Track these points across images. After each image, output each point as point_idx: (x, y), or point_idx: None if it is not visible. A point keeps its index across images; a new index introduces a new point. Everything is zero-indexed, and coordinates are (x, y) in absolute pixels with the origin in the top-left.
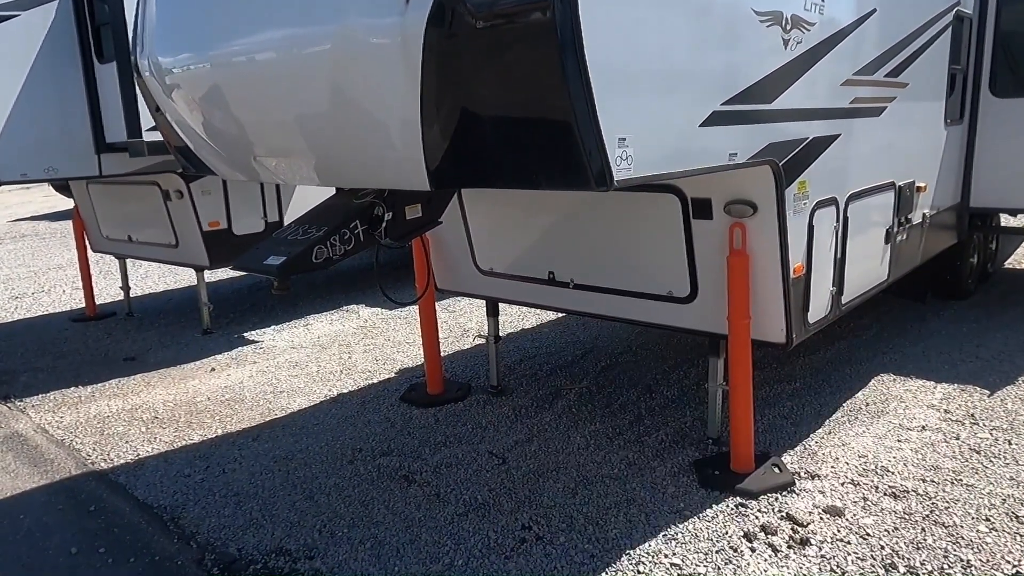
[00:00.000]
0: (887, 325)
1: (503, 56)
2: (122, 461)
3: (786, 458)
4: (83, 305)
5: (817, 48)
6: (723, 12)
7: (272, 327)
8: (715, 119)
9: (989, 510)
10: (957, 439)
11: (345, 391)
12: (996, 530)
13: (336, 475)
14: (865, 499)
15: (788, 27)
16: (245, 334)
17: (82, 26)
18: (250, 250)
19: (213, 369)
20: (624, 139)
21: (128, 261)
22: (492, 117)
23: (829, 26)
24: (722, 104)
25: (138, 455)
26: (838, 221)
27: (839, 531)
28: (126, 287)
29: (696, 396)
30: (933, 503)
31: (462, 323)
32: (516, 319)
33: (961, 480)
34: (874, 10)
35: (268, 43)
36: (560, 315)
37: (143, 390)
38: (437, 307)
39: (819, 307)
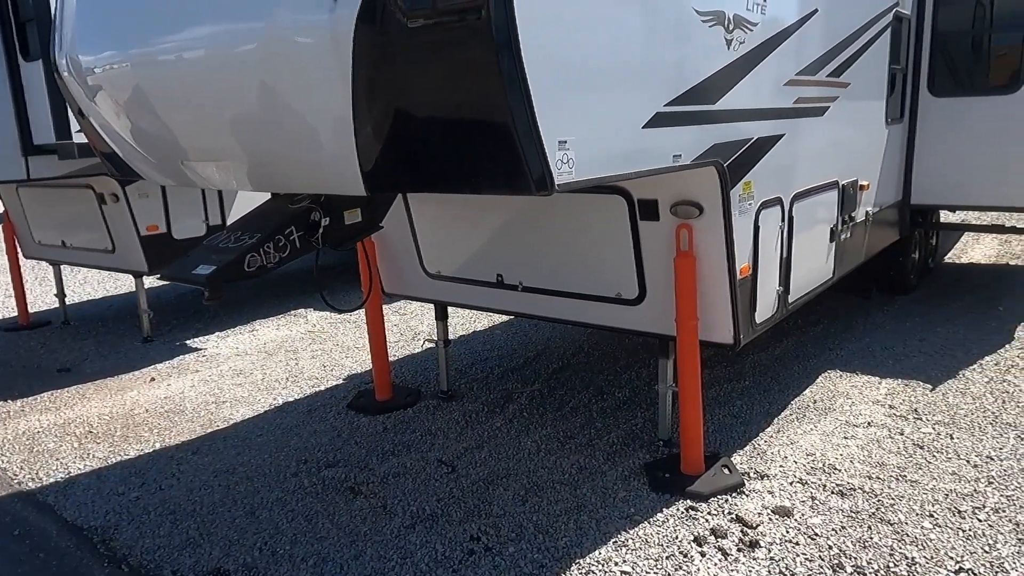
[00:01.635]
0: (834, 322)
1: (437, 57)
2: (51, 480)
3: (736, 458)
4: (15, 314)
5: (760, 48)
6: (665, 13)
7: (216, 333)
8: (658, 120)
9: (932, 506)
10: (901, 435)
11: (291, 399)
12: (939, 526)
13: (279, 488)
14: (813, 498)
15: (731, 27)
16: (187, 341)
17: (5, 22)
18: (180, 259)
19: (153, 379)
20: (565, 142)
21: (65, 267)
22: (427, 120)
23: (772, 26)
24: (665, 105)
25: (69, 473)
26: (783, 221)
27: (788, 532)
28: (61, 294)
29: (647, 397)
30: (879, 500)
31: (413, 326)
32: (468, 321)
33: (905, 476)
34: (816, 10)
35: (194, 41)
36: (511, 316)
37: (77, 403)
38: (387, 309)
39: (766, 306)
